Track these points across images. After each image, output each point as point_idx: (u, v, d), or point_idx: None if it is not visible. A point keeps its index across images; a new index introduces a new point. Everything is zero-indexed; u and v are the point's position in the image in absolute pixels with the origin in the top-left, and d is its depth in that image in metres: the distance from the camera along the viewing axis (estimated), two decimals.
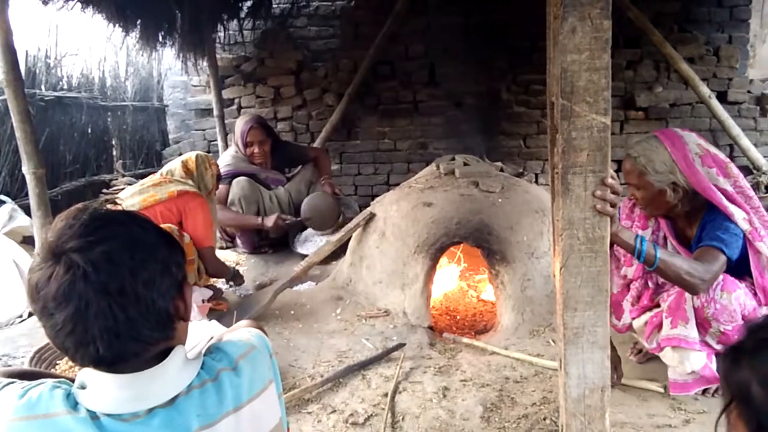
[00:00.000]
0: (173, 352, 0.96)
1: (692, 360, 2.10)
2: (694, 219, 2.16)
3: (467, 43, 5.83)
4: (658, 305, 2.27)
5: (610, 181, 1.46)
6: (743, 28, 5.83)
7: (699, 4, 5.72)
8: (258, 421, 1.04)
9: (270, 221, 4.09)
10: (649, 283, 2.31)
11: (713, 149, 2.13)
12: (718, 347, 2.09)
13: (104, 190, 5.47)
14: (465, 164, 3.69)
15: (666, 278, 1.95)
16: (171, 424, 0.92)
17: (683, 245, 2.21)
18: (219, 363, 1.02)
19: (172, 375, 0.94)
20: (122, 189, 4.26)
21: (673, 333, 2.11)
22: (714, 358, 2.12)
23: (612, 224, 1.58)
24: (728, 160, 2.17)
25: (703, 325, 2.08)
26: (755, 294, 2.09)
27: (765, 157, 5.48)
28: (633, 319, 2.34)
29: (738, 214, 2.03)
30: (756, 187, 5.06)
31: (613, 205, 1.48)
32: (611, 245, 1.56)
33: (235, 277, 3.58)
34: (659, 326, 2.20)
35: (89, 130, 5.55)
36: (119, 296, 0.87)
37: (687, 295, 2.07)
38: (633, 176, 2.11)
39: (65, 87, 5.28)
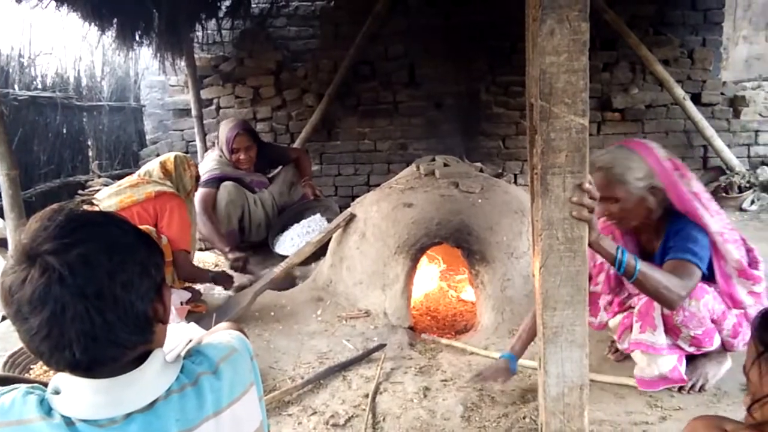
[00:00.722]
0: (152, 355, 0.95)
1: (660, 363, 2.12)
2: (659, 229, 2.16)
3: (447, 44, 5.87)
4: (630, 307, 2.30)
5: (587, 185, 1.47)
6: (716, 31, 5.95)
7: (673, 7, 5.83)
8: (239, 425, 1.03)
9: (233, 256, 3.94)
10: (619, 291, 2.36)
11: (671, 156, 2.15)
12: (691, 349, 2.13)
13: (80, 192, 5.38)
14: (445, 165, 3.70)
15: (643, 291, 1.92)
16: (149, 429, 0.90)
17: (646, 259, 2.21)
18: (199, 366, 1.01)
19: (150, 379, 0.93)
20: (98, 190, 4.19)
21: (641, 338, 2.14)
22: (684, 361, 2.16)
23: (592, 231, 1.58)
24: (683, 165, 2.17)
25: (673, 330, 2.10)
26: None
27: (738, 157, 5.60)
28: (608, 318, 2.38)
29: (706, 216, 2.04)
30: (729, 187, 5.17)
31: (590, 211, 1.49)
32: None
33: (220, 279, 3.44)
34: (630, 327, 2.23)
35: (64, 131, 5.47)
36: (96, 299, 0.86)
37: (656, 302, 2.06)
38: (608, 189, 2.02)
39: (39, 86, 5.20)
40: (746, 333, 2.13)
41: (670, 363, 2.13)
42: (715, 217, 2.07)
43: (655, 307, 2.10)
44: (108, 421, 0.89)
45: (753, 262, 2.16)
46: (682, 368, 2.15)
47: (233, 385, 1.03)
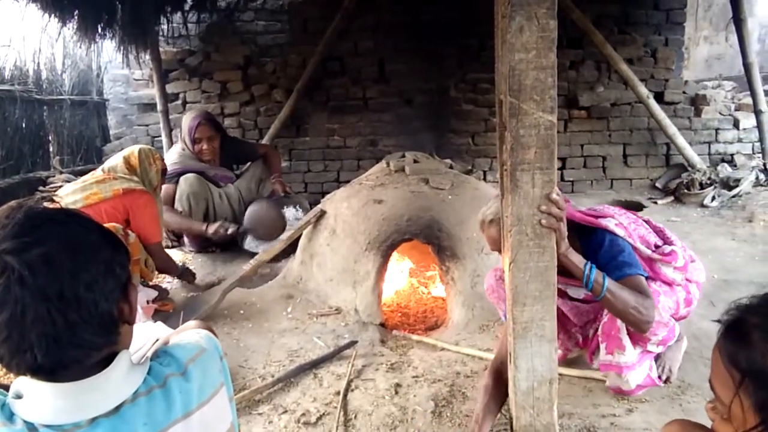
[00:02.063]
0: (117, 357, 0.92)
1: (632, 378, 2.08)
2: (574, 249, 2.07)
3: (417, 40, 5.88)
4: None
5: (554, 196, 1.49)
6: (678, 31, 6.09)
7: (637, 7, 5.95)
8: (208, 427, 1.01)
9: (212, 229, 3.98)
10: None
11: None
12: (659, 349, 2.10)
13: (40, 188, 5.22)
14: (415, 161, 3.71)
15: (612, 310, 1.89)
16: None
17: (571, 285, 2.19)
18: (167, 368, 0.98)
19: (116, 382, 0.90)
20: (60, 186, 4.08)
21: (608, 359, 2.07)
22: (653, 363, 2.17)
23: (561, 243, 1.60)
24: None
25: (641, 340, 2.04)
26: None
27: (699, 155, 5.75)
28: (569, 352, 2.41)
29: (610, 223, 2.02)
30: (691, 183, 5.30)
31: (559, 219, 1.51)
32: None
33: (184, 274, 3.50)
34: (598, 347, 2.17)
35: (23, 125, 5.29)
36: (59, 301, 0.83)
37: (619, 321, 2.00)
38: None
39: None
40: (696, 297, 2.19)
41: (642, 374, 2.11)
42: (615, 216, 2.08)
43: (618, 327, 2.03)
44: (72, 426, 0.86)
45: (666, 240, 2.22)
46: (654, 373, 2.16)
47: (202, 386, 1.01)
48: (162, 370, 0.97)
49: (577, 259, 1.76)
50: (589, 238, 2.01)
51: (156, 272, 3.29)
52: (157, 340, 2.33)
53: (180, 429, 0.95)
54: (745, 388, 0.88)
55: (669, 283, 2.14)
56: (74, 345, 0.85)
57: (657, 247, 2.22)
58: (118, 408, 0.89)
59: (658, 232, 2.27)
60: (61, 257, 0.84)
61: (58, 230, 0.88)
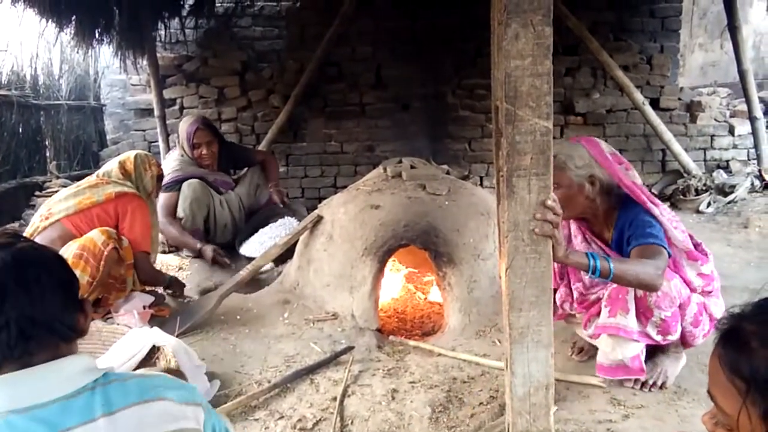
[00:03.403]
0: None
1: (625, 348, 2.16)
2: (610, 220, 2.24)
3: (414, 46, 5.90)
4: (595, 300, 2.35)
5: (549, 203, 1.50)
6: (674, 38, 6.13)
7: (633, 14, 5.98)
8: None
9: (208, 253, 3.97)
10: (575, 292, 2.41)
11: (618, 155, 2.25)
12: (658, 338, 2.15)
13: (37, 192, 5.22)
14: (412, 167, 3.71)
15: (624, 284, 1.98)
16: None
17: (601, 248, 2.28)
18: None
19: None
20: (56, 191, 4.07)
21: (611, 321, 2.16)
22: (643, 353, 2.19)
23: (558, 248, 1.61)
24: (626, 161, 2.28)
25: (645, 314, 2.13)
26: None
27: (695, 161, 5.77)
28: (569, 310, 2.45)
29: (653, 207, 2.13)
30: (687, 189, 5.32)
31: (555, 226, 1.52)
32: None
33: (173, 284, 3.39)
34: (597, 314, 2.27)
35: (20, 130, 5.30)
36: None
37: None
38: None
39: None
40: (706, 325, 2.20)
41: (635, 350, 2.17)
42: (659, 207, 2.16)
43: (627, 290, 2.14)
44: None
45: (700, 250, 2.27)
46: (642, 359, 2.20)
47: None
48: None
49: (578, 257, 1.80)
50: (627, 209, 2.14)
51: (138, 284, 3.22)
52: (153, 345, 2.33)
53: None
54: (751, 398, 0.86)
55: (686, 283, 2.17)
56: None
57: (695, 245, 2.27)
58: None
59: (696, 245, 2.30)
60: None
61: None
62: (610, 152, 2.21)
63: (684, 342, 2.24)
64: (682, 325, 2.17)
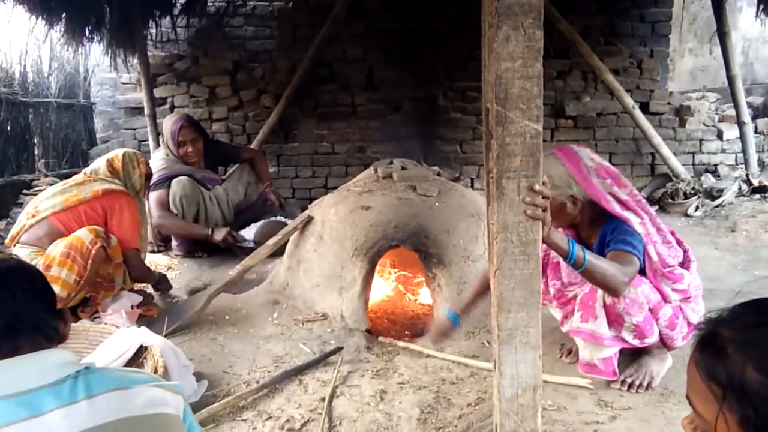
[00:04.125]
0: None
1: (596, 352, 2.28)
2: (596, 227, 2.28)
3: (405, 48, 5.90)
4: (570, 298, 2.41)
5: (538, 187, 1.50)
6: (664, 42, 6.19)
7: (623, 19, 6.03)
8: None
9: (220, 235, 3.97)
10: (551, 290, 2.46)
11: (605, 163, 2.28)
12: (635, 342, 2.22)
13: (25, 191, 5.18)
14: (403, 168, 3.71)
15: (591, 279, 2.01)
16: None
17: None
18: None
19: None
20: (44, 189, 4.04)
21: (583, 327, 2.26)
22: (617, 358, 2.28)
23: (544, 227, 1.63)
24: (618, 172, 2.30)
25: (617, 320, 2.19)
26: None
27: (684, 165, 5.82)
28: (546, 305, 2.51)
29: (633, 219, 2.17)
30: (675, 193, 5.36)
31: (543, 210, 1.53)
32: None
33: (160, 282, 3.40)
34: (573, 313, 2.35)
35: (8, 128, 5.25)
36: None
37: (599, 293, 2.19)
38: None
39: None
40: (683, 327, 2.24)
41: (606, 353, 2.26)
42: (644, 220, 2.20)
43: (597, 299, 2.21)
44: None
45: (686, 261, 2.32)
46: (615, 362, 2.28)
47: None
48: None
49: (558, 238, 1.83)
50: (613, 218, 2.18)
51: (129, 282, 3.20)
52: (141, 345, 2.32)
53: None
54: (728, 404, 0.86)
55: (662, 294, 2.21)
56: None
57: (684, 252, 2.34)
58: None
59: (685, 252, 2.36)
60: None
61: None
62: (594, 165, 2.21)
63: (664, 345, 2.29)
64: (658, 327, 2.21)
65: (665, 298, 2.22)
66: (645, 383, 2.26)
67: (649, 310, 2.18)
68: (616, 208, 2.17)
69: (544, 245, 1.73)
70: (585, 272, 1.92)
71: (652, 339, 2.22)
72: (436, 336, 2.52)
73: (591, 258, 1.90)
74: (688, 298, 2.27)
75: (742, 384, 0.84)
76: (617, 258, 2.06)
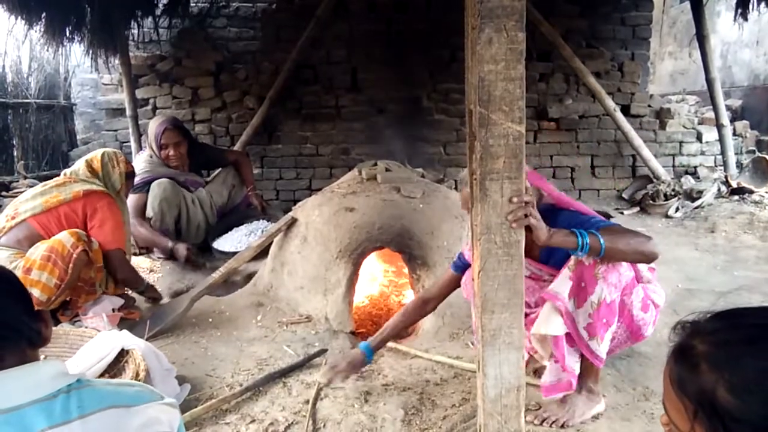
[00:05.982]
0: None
1: (550, 324, 1.98)
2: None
3: (389, 50, 5.92)
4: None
5: (515, 199, 1.50)
6: (644, 46, 6.27)
7: (605, 22, 6.10)
8: None
9: (181, 251, 3.92)
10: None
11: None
12: (584, 334, 1.95)
13: (3, 193, 5.10)
14: (387, 170, 3.72)
15: (618, 258, 1.86)
16: None
17: (533, 254, 2.17)
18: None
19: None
20: (23, 191, 3.98)
21: (550, 288, 2.00)
22: (568, 349, 2.01)
23: (540, 232, 1.62)
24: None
25: (586, 289, 1.92)
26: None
27: (664, 167, 5.90)
28: None
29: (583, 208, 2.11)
30: (656, 195, 5.43)
31: (527, 215, 1.53)
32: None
33: (148, 290, 3.33)
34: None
35: None
36: None
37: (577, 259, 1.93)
38: None
39: None
40: (653, 310, 2.09)
41: (557, 329, 1.97)
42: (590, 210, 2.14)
43: (568, 268, 1.97)
44: None
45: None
46: (575, 367, 2.03)
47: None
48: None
49: (563, 236, 1.74)
50: (558, 215, 2.04)
51: (115, 285, 3.16)
52: (122, 349, 2.29)
53: None
54: (699, 420, 0.86)
55: (635, 272, 2.08)
56: None
57: None
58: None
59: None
60: None
61: None
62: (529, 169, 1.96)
63: (633, 333, 2.09)
64: (630, 310, 2.03)
65: (638, 278, 2.08)
66: (561, 421, 2.06)
67: (623, 291, 1.97)
68: (565, 198, 2.11)
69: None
70: (606, 254, 1.77)
71: (599, 347, 1.97)
72: (345, 368, 2.30)
73: (606, 236, 1.76)
74: (649, 281, 2.16)
75: (713, 403, 0.84)
76: (613, 231, 1.88)
